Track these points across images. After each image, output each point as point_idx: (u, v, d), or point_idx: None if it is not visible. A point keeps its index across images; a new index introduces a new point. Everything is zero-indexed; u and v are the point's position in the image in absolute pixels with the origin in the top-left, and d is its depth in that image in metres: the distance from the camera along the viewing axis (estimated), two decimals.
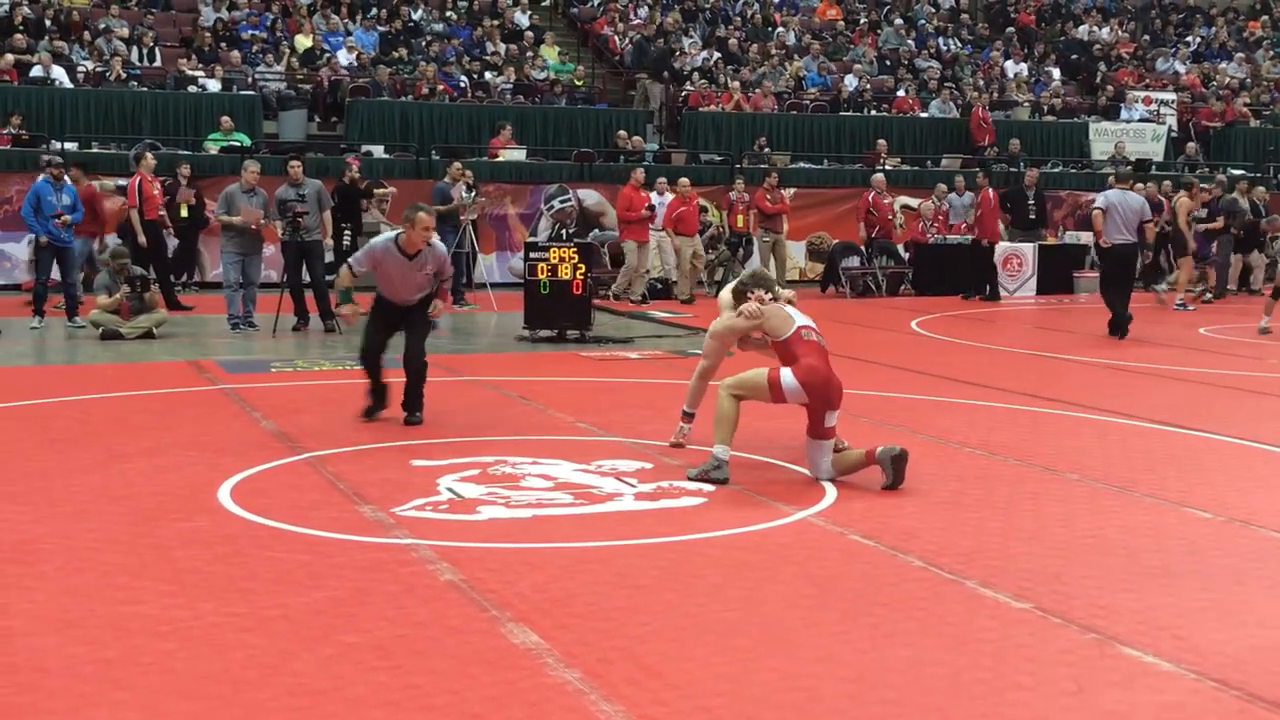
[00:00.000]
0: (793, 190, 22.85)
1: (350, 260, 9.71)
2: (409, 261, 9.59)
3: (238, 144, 21.82)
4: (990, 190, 21.62)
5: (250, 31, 25.77)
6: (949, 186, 23.45)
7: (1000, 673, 4.96)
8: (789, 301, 8.71)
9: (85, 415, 10.06)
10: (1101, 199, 16.61)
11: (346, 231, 17.47)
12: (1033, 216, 22.87)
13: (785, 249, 21.89)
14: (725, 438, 8.08)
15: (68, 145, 20.77)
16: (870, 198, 22.16)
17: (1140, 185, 20.56)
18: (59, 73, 22.81)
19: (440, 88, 24.60)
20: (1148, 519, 7.38)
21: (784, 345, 8.21)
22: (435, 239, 9.85)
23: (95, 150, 21.48)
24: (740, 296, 8.66)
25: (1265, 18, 37.26)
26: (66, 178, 15.92)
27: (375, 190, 18.90)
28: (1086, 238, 23.93)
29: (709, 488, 7.86)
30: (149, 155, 18.23)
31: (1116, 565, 6.44)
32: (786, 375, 8.03)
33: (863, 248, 22.28)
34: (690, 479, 8.02)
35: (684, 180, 20.71)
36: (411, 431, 9.51)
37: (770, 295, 8.57)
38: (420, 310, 9.86)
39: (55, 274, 15.87)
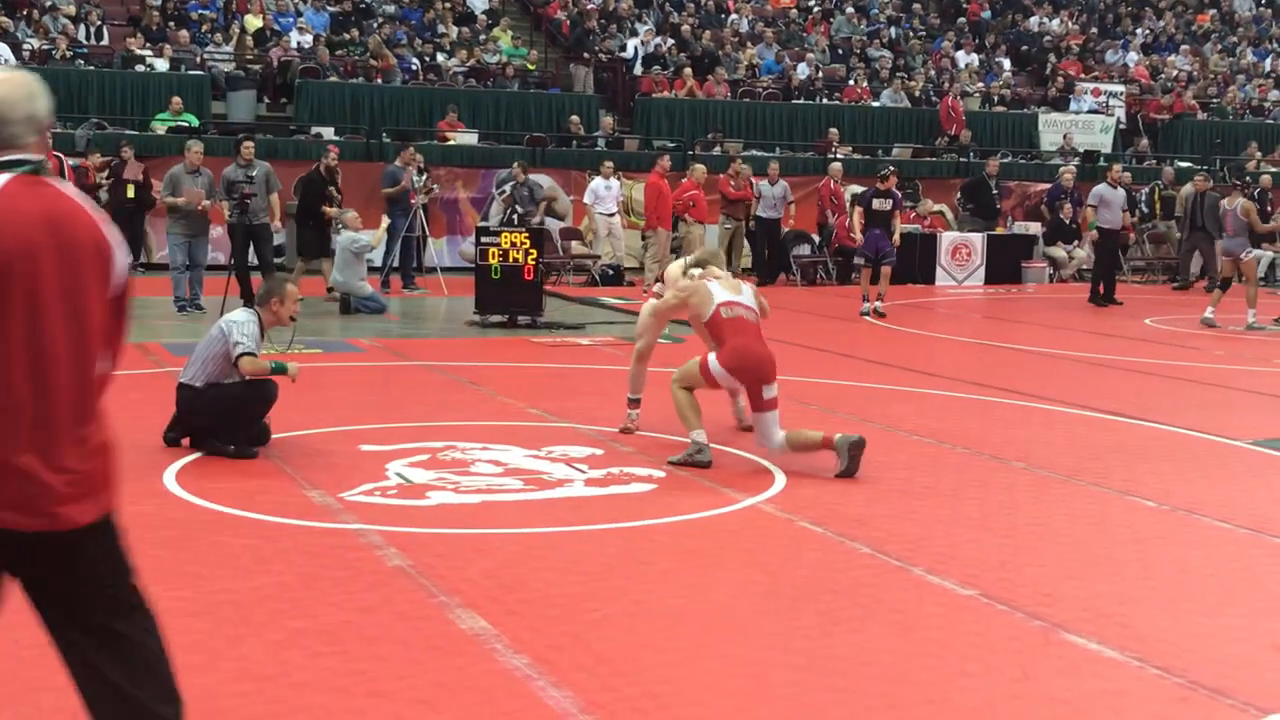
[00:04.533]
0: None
1: (249, 349, 8.04)
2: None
3: (185, 124, 21.60)
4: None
5: (199, 11, 25.51)
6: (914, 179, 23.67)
7: (947, 659, 4.99)
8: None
9: None
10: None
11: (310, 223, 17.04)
12: (998, 206, 23.14)
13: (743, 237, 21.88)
14: (695, 423, 8.15)
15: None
16: (831, 186, 22.25)
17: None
18: (3, 50, 22.48)
19: (383, 65, 24.36)
20: (1093, 508, 7.44)
21: (710, 327, 8.32)
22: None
23: None
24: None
25: (1214, 11, 37.61)
26: None
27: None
28: (1035, 228, 24.20)
29: (659, 473, 7.88)
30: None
31: (1062, 553, 6.50)
32: (713, 362, 8.17)
33: (815, 236, 22.36)
34: (673, 464, 8.07)
35: (699, 166, 20.55)
36: (361, 416, 9.45)
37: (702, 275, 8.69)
38: None
39: None
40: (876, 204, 17.17)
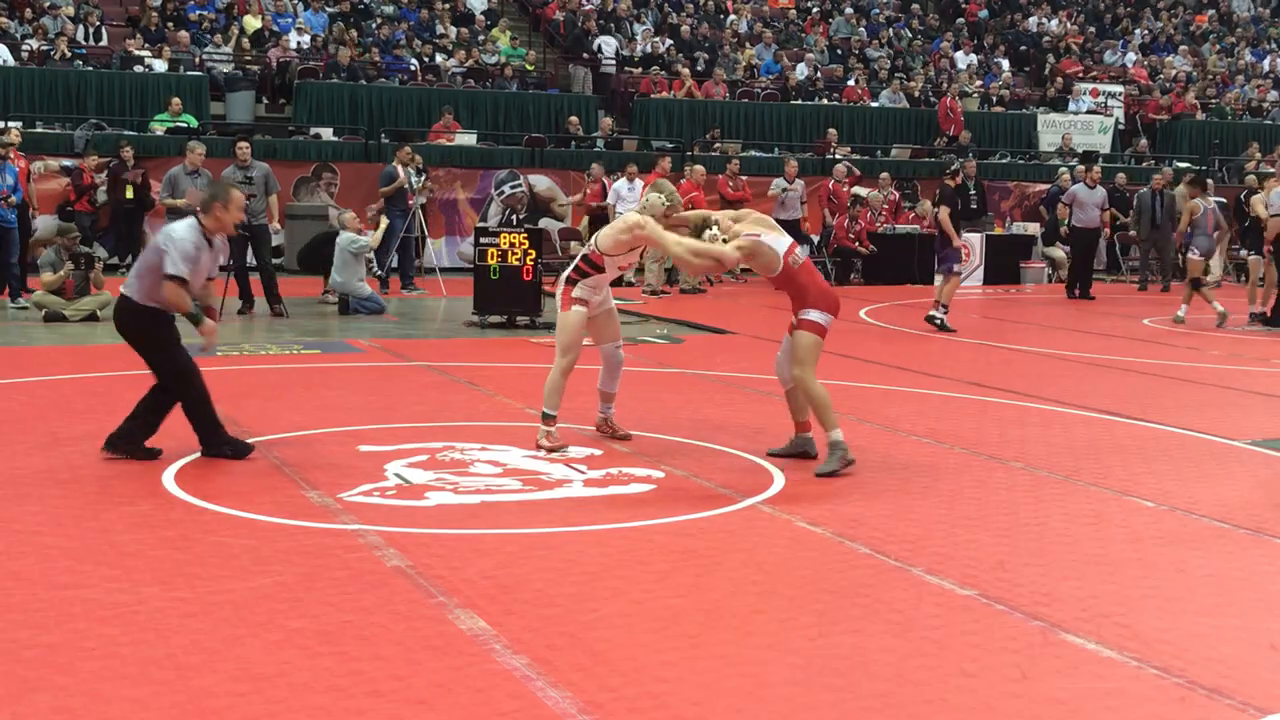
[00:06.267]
0: (744, 178, 22.89)
1: (174, 273, 7.66)
2: (210, 249, 8.04)
3: (184, 125, 21.61)
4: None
5: (198, 12, 25.53)
6: (891, 175, 23.62)
7: (945, 659, 4.99)
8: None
9: (28, 398, 9.94)
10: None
11: None
12: (974, 206, 23.11)
13: None
14: (834, 421, 8.06)
15: (10, 124, 20.50)
16: (830, 186, 22.31)
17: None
18: (2, 51, 22.51)
19: (367, 61, 24.38)
20: (1091, 507, 7.45)
21: (783, 278, 8.18)
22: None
23: (39, 130, 21.21)
24: (700, 232, 8.31)
25: (1212, 11, 37.64)
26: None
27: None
28: (1033, 228, 24.23)
29: (658, 474, 7.87)
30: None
31: (1060, 553, 6.50)
32: (817, 316, 8.09)
33: (815, 237, 22.40)
34: (824, 475, 7.89)
35: (698, 167, 20.62)
36: (360, 417, 9.45)
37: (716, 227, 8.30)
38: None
39: None
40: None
